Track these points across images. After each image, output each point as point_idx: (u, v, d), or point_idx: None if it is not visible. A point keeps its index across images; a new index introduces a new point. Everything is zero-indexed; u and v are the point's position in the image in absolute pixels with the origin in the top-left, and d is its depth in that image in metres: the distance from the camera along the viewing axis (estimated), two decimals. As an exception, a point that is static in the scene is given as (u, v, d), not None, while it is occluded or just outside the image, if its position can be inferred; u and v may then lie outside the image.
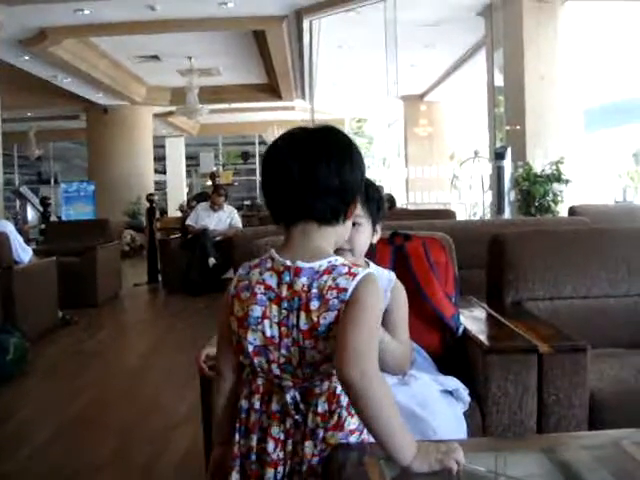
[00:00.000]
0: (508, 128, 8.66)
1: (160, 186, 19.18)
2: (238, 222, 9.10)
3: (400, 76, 11.18)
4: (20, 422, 3.94)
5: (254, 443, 1.48)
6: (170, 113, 16.82)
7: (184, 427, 3.70)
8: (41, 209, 12.30)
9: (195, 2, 8.58)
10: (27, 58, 10.99)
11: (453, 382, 2.24)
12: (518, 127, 8.38)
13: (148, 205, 10.20)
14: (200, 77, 13.25)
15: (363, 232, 2.11)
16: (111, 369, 5.24)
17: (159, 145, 19.12)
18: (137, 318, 7.72)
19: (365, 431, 1.45)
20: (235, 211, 9.24)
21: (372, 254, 2.21)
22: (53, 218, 12.76)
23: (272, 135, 19.19)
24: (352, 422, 1.47)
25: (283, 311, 1.44)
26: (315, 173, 1.45)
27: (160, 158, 19.84)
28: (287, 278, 1.45)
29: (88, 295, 7.53)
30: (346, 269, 1.45)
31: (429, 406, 2.06)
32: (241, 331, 1.46)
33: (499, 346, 2.38)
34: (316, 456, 1.44)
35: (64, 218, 15.19)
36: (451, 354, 2.46)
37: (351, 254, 2.11)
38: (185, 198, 18.44)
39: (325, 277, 1.44)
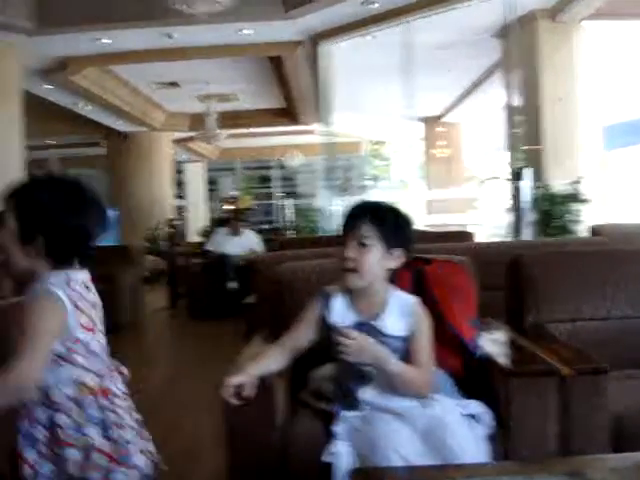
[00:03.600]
0: (526, 148, 8.63)
1: (180, 211, 19.25)
2: (258, 246, 9.12)
3: (417, 98, 11.20)
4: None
5: None
6: (189, 139, 16.95)
7: (205, 453, 3.71)
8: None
9: (212, 30, 8.65)
10: (49, 87, 11.14)
11: (475, 405, 2.23)
12: (537, 147, 8.36)
13: (169, 230, 10.26)
14: (218, 102, 13.37)
15: (370, 253, 2.13)
16: (131, 394, 5.25)
17: (179, 170, 19.24)
18: (158, 343, 7.75)
19: None
20: (254, 235, 9.27)
21: (392, 279, 2.23)
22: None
23: (291, 159, 19.33)
24: None
25: None
26: None
27: (180, 183, 19.93)
28: None
29: (109, 320, 7.50)
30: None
31: (451, 429, 2.06)
32: None
33: (520, 369, 2.37)
34: None
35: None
36: (472, 377, 2.46)
37: (358, 275, 2.13)
38: (205, 223, 18.52)
39: None
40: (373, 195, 18.24)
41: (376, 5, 8.19)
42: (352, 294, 2.23)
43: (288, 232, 15.03)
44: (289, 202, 21.83)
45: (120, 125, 15.05)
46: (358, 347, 2.01)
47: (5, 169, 8.36)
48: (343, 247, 2.17)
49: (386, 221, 2.15)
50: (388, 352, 2.11)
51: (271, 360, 2.24)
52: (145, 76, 12.00)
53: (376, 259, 2.13)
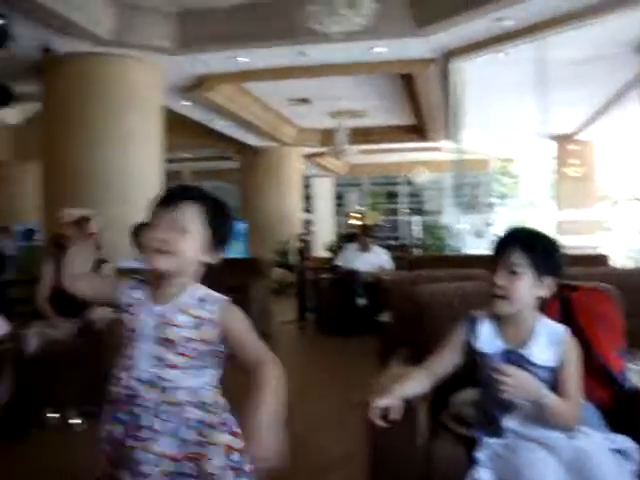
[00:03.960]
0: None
1: (307, 225, 19.54)
2: (387, 263, 9.09)
3: (550, 115, 10.95)
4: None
5: None
6: (319, 154, 17.19)
7: (339, 469, 3.73)
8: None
9: (344, 48, 8.75)
10: (186, 103, 11.58)
11: (623, 440, 2.16)
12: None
13: (299, 244, 10.42)
14: (349, 119, 13.52)
15: (520, 281, 2.10)
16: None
17: (307, 185, 19.53)
18: (287, 356, 7.82)
19: None
20: (384, 252, 9.25)
21: (541, 306, 2.19)
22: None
23: (418, 175, 19.27)
24: None
25: None
26: None
27: (307, 197, 20.23)
28: None
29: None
30: None
31: (597, 463, 2.01)
32: None
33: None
34: None
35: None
36: (620, 410, 2.38)
37: (507, 302, 2.11)
38: (332, 238, 18.71)
39: None
40: (500, 213, 17.95)
41: (510, 22, 8.07)
42: (499, 320, 2.21)
43: (414, 249, 14.97)
44: (415, 219, 21.81)
45: (252, 140, 15.46)
46: (516, 384, 1.97)
47: (148, 180, 8.77)
48: (492, 273, 2.15)
49: (537, 249, 2.13)
50: (541, 385, 2.07)
51: (416, 383, 2.24)
52: (277, 92, 12.30)
53: (527, 287, 2.11)
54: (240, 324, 1.91)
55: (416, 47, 8.88)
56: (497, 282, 2.12)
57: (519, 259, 2.10)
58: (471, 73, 10.28)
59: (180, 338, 1.84)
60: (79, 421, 4.54)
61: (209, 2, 8.35)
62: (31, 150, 12.75)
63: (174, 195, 1.89)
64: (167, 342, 1.84)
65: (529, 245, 2.12)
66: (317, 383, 6.26)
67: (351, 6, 7.45)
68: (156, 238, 1.82)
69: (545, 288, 2.15)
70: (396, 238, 20.32)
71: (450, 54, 9.26)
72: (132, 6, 8.14)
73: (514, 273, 2.10)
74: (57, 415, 4.66)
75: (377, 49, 8.86)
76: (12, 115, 14.40)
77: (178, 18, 8.49)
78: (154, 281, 1.88)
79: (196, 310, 1.89)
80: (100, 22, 7.90)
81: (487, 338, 2.21)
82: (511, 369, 1.98)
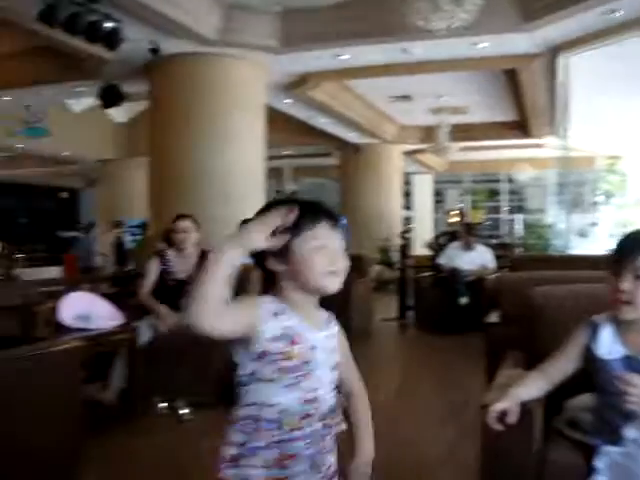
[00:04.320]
0: None
1: (406, 222, 19.45)
2: (491, 262, 8.97)
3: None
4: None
5: None
6: (419, 151, 17.09)
7: (441, 468, 3.71)
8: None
9: (448, 44, 8.66)
10: (289, 101, 11.72)
11: None
12: None
13: (401, 242, 10.40)
14: (450, 115, 13.39)
15: None
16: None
17: (406, 182, 19.43)
18: (389, 354, 7.86)
19: None
20: (488, 250, 9.10)
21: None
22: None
23: (520, 173, 18.89)
24: None
25: None
26: None
27: (407, 195, 20.14)
28: None
29: (342, 327, 7.76)
30: None
31: None
32: None
33: None
34: None
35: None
36: None
37: (631, 308, 2.04)
38: (431, 235, 18.55)
39: None
40: (606, 213, 17.39)
41: (620, 13, 7.79)
42: (620, 325, 2.15)
43: (516, 248, 14.69)
44: (517, 217, 21.38)
45: (353, 137, 15.51)
46: None
47: (251, 178, 8.93)
48: (614, 277, 2.09)
49: None
50: None
51: (533, 387, 2.21)
52: (379, 90, 12.30)
53: None
54: (346, 345, 1.87)
55: (521, 42, 8.70)
56: (622, 287, 2.05)
57: None
58: (578, 67, 10.00)
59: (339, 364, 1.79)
60: (187, 411, 4.67)
61: (312, 0, 8.41)
62: (139, 148, 13.21)
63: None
64: (335, 368, 1.77)
65: None
66: (417, 381, 6.24)
67: (456, 2, 7.38)
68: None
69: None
70: (497, 236, 19.99)
71: (557, 48, 9.03)
72: (237, 6, 8.28)
73: None
74: (166, 404, 4.81)
75: (481, 45, 8.73)
76: (120, 114, 14.91)
77: (282, 17, 8.58)
78: (299, 302, 1.68)
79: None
80: (206, 22, 8.07)
81: (607, 344, 2.16)
82: (637, 379, 1.91)
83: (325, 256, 1.64)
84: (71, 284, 6.32)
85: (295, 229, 1.60)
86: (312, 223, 1.63)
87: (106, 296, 5.50)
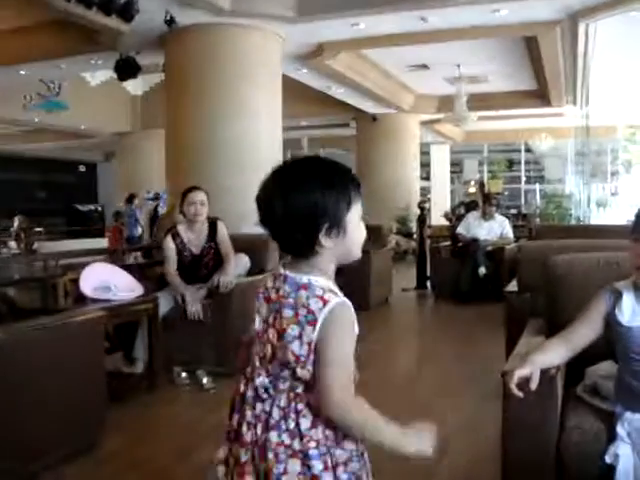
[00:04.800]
0: None
1: (423, 192, 19.39)
2: (509, 232, 8.97)
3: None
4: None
5: (235, 423, 1.61)
6: (436, 120, 16.98)
7: (462, 436, 3.72)
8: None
9: (467, 11, 8.56)
10: (305, 71, 11.64)
11: None
12: None
13: (419, 212, 10.38)
14: (468, 84, 13.27)
15: None
16: (383, 373, 5.33)
17: (423, 152, 19.34)
18: (408, 324, 7.88)
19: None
20: (507, 221, 9.10)
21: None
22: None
23: (539, 142, 18.74)
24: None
25: (270, 311, 1.56)
26: (268, 212, 1.54)
27: (424, 165, 20.05)
28: (277, 283, 1.57)
29: (362, 299, 7.83)
30: (320, 292, 1.49)
31: None
32: None
33: None
34: (280, 445, 1.51)
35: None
36: None
37: None
38: (448, 205, 18.53)
39: (302, 292, 1.50)
40: (624, 182, 17.25)
41: (645, -23, 7.68)
42: (642, 292, 2.13)
43: (535, 218, 14.62)
44: (536, 187, 21.24)
45: (370, 107, 15.43)
46: None
47: (268, 149, 8.89)
48: (637, 244, 2.07)
49: None
50: None
51: (555, 353, 2.20)
52: (396, 59, 12.20)
53: None
54: None
55: (541, 8, 8.58)
56: (644, 254, 2.04)
57: None
58: (600, 34, 9.86)
59: None
60: (208, 380, 4.71)
61: (328, -31, 8.33)
62: (155, 120, 13.22)
63: None
64: None
65: None
66: (437, 351, 6.26)
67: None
68: None
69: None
70: (516, 206, 19.90)
71: (578, 14, 8.88)
72: (252, -24, 8.21)
73: None
74: (187, 374, 4.85)
75: (500, 11, 8.60)
76: (136, 86, 14.91)
77: (298, -14, 8.50)
78: (331, 274, 1.61)
79: None
80: (221, -8, 8.01)
81: (629, 310, 2.14)
82: None
83: (362, 226, 1.62)
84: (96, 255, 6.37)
85: (347, 200, 1.53)
86: (359, 194, 1.58)
87: (128, 267, 5.56)
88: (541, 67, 11.81)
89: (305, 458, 1.51)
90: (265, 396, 1.56)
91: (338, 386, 1.47)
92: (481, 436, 3.67)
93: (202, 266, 5.25)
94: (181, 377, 4.84)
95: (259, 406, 1.56)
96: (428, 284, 9.60)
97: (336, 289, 1.54)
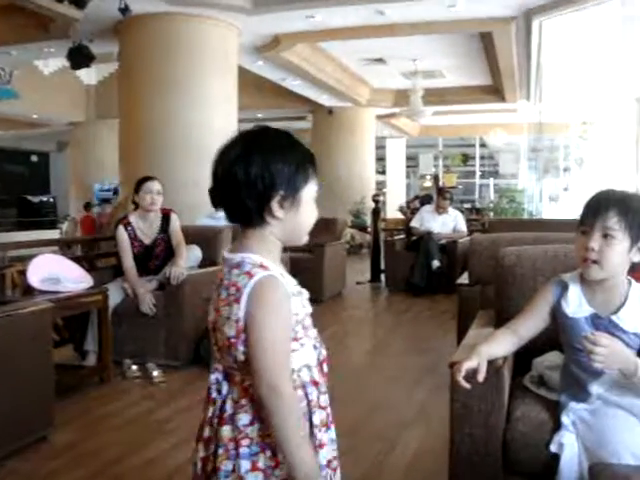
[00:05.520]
0: None
1: (379, 186, 19.47)
2: (463, 226, 9.08)
3: (635, 75, 10.58)
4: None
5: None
6: (392, 115, 17.06)
7: (414, 427, 3.75)
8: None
9: (423, 6, 8.60)
10: (261, 63, 11.59)
11: None
12: None
13: (374, 205, 10.43)
14: (424, 79, 13.35)
15: (615, 246, 2.04)
16: (337, 365, 5.34)
17: (379, 146, 19.43)
18: (361, 316, 7.90)
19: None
20: (460, 215, 9.22)
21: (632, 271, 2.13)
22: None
23: (493, 138, 18.95)
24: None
25: (218, 297, 1.51)
26: (217, 179, 1.51)
27: (380, 159, 20.14)
28: (222, 267, 1.53)
29: (315, 291, 7.83)
30: (248, 267, 1.46)
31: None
32: None
33: None
34: (232, 441, 1.47)
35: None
36: None
37: (599, 267, 2.05)
38: (404, 199, 18.61)
39: (234, 271, 1.47)
40: (576, 177, 17.51)
41: (593, -22, 7.79)
42: (588, 285, 2.15)
43: (489, 212, 14.78)
44: (490, 182, 21.47)
45: (326, 100, 15.44)
46: (609, 354, 1.89)
47: (225, 139, 8.79)
48: (583, 236, 2.09)
49: (636, 213, 2.05)
50: (635, 356, 2.01)
51: (501, 345, 2.21)
52: (352, 52, 12.23)
53: (621, 252, 2.04)
54: None
55: (496, 5, 8.68)
56: (590, 246, 2.05)
57: (615, 223, 2.03)
58: (553, 32, 9.99)
59: None
60: (158, 373, 4.66)
61: (284, -40, 8.29)
62: (109, 110, 13.04)
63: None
64: None
65: (626, 208, 2.04)
66: (390, 343, 6.29)
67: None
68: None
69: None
70: (470, 201, 20.09)
71: (532, 11, 8.99)
72: (209, -35, 8.14)
73: (609, 237, 2.03)
74: (137, 366, 4.80)
75: (456, 7, 8.66)
76: (90, 75, 14.68)
77: (254, -23, 8.45)
78: (277, 256, 1.57)
79: None
80: (176, -19, 7.94)
81: (576, 302, 2.16)
82: (604, 339, 1.91)
83: (315, 208, 1.58)
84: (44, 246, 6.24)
85: (305, 174, 1.52)
86: (316, 176, 1.56)
87: (77, 258, 5.46)
88: (496, 63, 11.95)
89: (236, 456, 1.47)
90: (215, 394, 1.53)
91: (267, 368, 1.40)
92: (432, 426, 3.71)
93: (153, 257, 5.20)
94: (131, 370, 4.78)
95: (217, 400, 1.53)
96: (382, 277, 9.64)
97: (273, 265, 1.49)
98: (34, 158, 23.71)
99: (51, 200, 22.50)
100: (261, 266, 1.46)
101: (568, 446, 2.06)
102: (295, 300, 1.49)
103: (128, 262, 5.08)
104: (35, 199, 21.95)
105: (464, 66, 13.15)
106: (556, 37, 10.20)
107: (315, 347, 1.58)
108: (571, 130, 17.61)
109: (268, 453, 1.46)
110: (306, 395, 1.51)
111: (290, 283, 1.51)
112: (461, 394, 2.15)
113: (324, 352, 1.61)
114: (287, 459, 1.41)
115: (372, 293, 9.43)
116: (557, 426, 2.14)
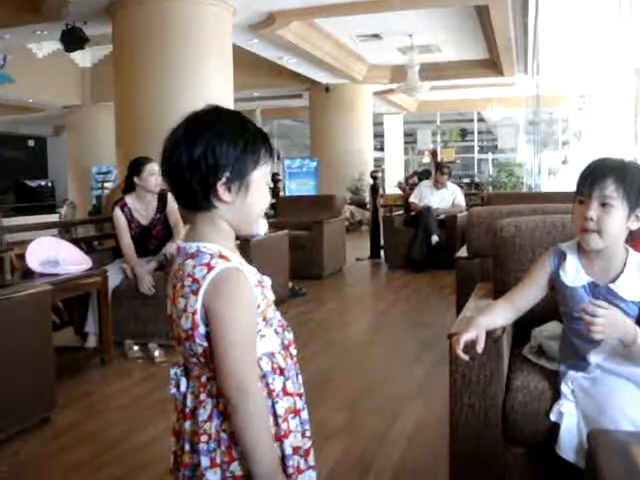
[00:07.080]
0: None
1: (377, 163, 19.43)
2: (462, 200, 9.08)
3: (635, 48, 10.50)
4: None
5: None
6: (389, 91, 16.99)
7: (414, 399, 3.77)
8: (271, 185, 12.90)
9: (418, -21, 8.58)
10: (256, 41, 11.50)
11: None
12: None
13: (372, 182, 10.42)
14: (420, 54, 13.27)
15: (613, 214, 2.03)
16: (337, 341, 5.37)
17: (377, 122, 19.36)
18: (361, 292, 7.91)
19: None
20: (458, 189, 9.22)
21: (630, 240, 2.12)
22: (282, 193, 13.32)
23: (491, 112, 18.88)
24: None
25: (173, 288, 1.45)
26: (172, 158, 1.45)
27: (378, 135, 20.08)
28: (178, 258, 1.47)
29: (315, 268, 7.95)
30: (207, 258, 1.39)
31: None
32: None
33: None
34: (194, 435, 1.44)
35: (287, 193, 15.97)
36: None
37: (598, 236, 2.04)
38: (402, 175, 18.59)
39: (189, 261, 1.41)
40: (575, 150, 17.47)
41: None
42: (586, 254, 2.15)
43: (487, 187, 14.76)
44: (488, 156, 21.41)
45: (323, 77, 15.35)
46: (608, 324, 1.88)
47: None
48: (581, 205, 2.08)
49: (633, 181, 2.04)
50: (634, 325, 2.00)
51: (500, 315, 2.21)
52: (348, 29, 12.15)
53: (620, 220, 2.03)
54: None
55: (492, -23, 8.61)
56: (588, 215, 2.04)
57: (613, 191, 2.01)
58: (551, 3, 9.91)
59: None
60: (159, 353, 4.67)
61: (279, -64, 8.22)
62: (105, 93, 12.97)
63: None
64: None
65: (624, 176, 2.03)
66: (390, 319, 6.30)
67: None
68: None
69: (638, 221, 2.07)
70: (469, 176, 20.05)
71: (528, -17, 8.94)
72: (201, -57, 8.07)
73: (607, 205, 2.02)
74: (139, 347, 4.81)
75: (452, -20, 8.60)
76: (84, 58, 14.60)
77: (249, -47, 8.38)
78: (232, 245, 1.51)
79: None
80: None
81: (573, 271, 2.16)
82: (602, 310, 1.89)
83: (267, 193, 1.52)
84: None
85: (256, 156, 1.45)
86: (270, 159, 1.49)
87: (76, 240, 5.46)
88: (492, 37, 11.86)
89: (194, 453, 1.44)
90: (174, 390, 1.51)
91: (236, 370, 1.35)
92: (432, 399, 3.72)
93: (151, 238, 5.20)
94: (133, 350, 4.80)
95: (177, 395, 1.51)
96: (382, 253, 9.65)
97: (232, 255, 1.43)
98: (31, 143, 23.60)
99: (49, 184, 22.42)
100: (220, 256, 1.40)
101: (568, 414, 2.07)
102: (256, 291, 1.43)
103: (126, 241, 5.08)
104: (33, 184, 21.88)
105: (461, 40, 13.06)
106: (553, 9, 10.12)
107: (277, 332, 1.52)
108: (569, 103, 17.55)
109: (223, 448, 1.41)
110: (267, 385, 1.45)
111: (251, 272, 1.45)
112: (460, 365, 2.16)
113: (289, 335, 1.56)
114: (249, 457, 1.37)
115: (372, 269, 9.44)
116: (557, 395, 2.15)
